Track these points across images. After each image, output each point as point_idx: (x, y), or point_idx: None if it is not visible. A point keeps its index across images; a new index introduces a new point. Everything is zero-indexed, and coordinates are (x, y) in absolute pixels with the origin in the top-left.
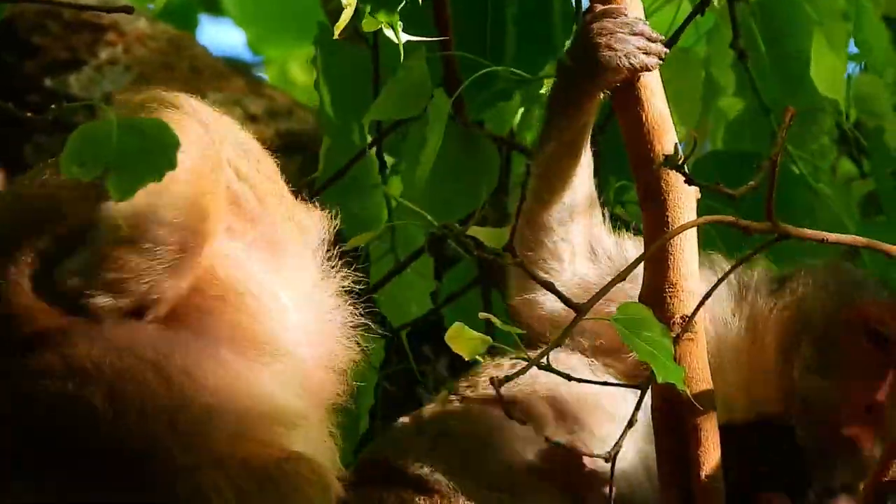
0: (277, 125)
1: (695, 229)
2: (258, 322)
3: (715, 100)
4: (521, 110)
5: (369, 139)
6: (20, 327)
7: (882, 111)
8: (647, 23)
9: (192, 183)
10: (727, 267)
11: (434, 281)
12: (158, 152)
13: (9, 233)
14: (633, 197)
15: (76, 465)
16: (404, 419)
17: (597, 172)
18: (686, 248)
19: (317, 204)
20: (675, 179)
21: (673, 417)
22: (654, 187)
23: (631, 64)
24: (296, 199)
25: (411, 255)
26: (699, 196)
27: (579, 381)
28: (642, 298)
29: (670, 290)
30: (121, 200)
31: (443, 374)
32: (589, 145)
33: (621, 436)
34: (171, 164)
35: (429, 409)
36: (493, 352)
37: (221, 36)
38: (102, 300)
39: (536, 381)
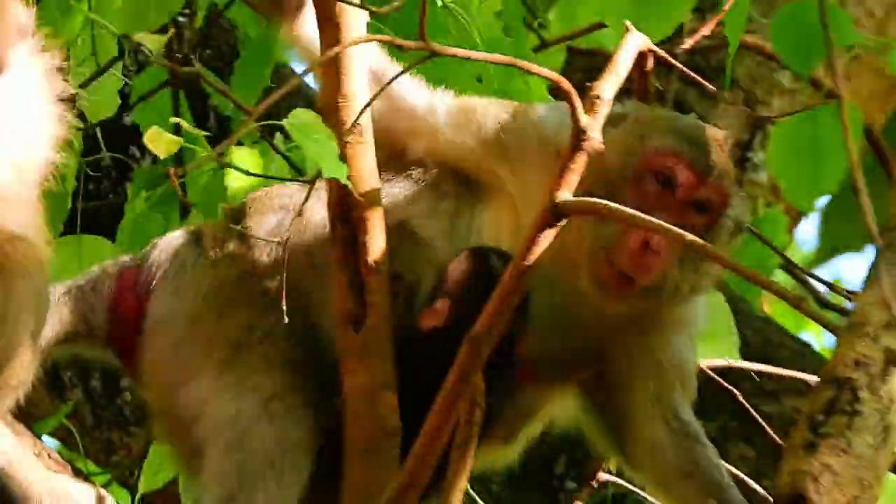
0: None
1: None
2: None
3: None
4: None
5: None
6: None
7: None
8: None
9: None
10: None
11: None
12: None
13: None
14: None
15: None
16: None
17: None
18: (355, 63)
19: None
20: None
21: (344, 209)
22: (329, 9)
23: None
24: None
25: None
26: (369, 20)
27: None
28: (319, 107)
29: (342, 100)
30: None
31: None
32: None
33: (291, 223)
34: None
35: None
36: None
37: None
38: None
39: None
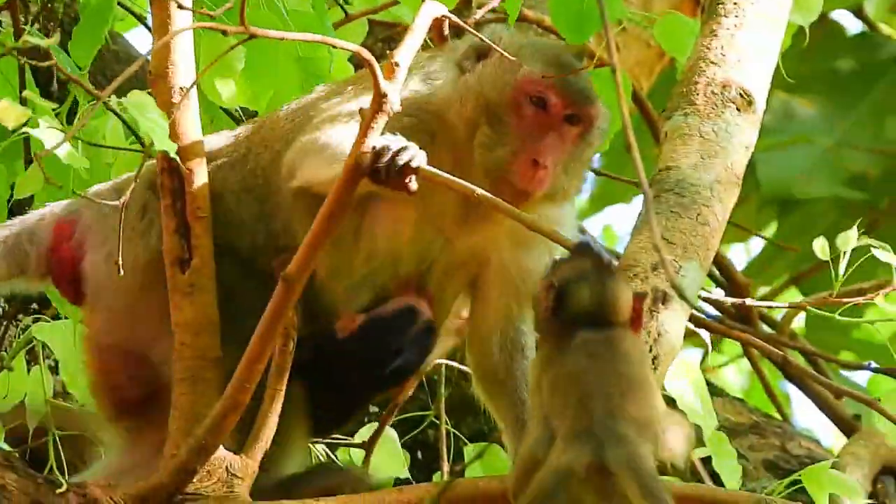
0: None
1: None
2: None
3: None
4: None
5: None
6: None
7: None
8: None
9: None
10: None
11: None
12: None
13: None
14: None
15: None
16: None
17: None
18: (184, 35)
19: None
20: None
21: (171, 162)
22: None
23: None
24: None
25: None
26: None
27: None
28: (151, 73)
29: (171, 67)
30: None
31: None
32: None
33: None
34: None
35: None
36: None
37: None
38: None
39: None
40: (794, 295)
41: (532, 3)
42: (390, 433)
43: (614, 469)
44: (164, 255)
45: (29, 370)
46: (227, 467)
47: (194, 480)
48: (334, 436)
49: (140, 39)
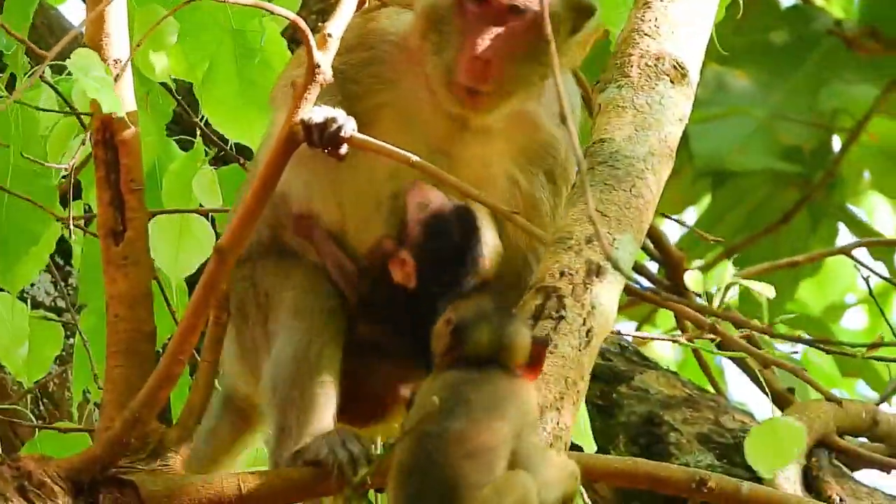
0: None
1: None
2: None
3: None
4: None
5: None
6: None
7: None
8: None
9: None
10: None
11: None
12: None
13: None
14: None
15: None
16: None
17: None
18: (118, 6)
19: None
20: None
21: (106, 135)
22: None
23: None
24: None
25: None
26: None
27: None
28: (85, 46)
29: (105, 39)
30: None
31: None
32: None
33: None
34: None
35: None
36: None
37: None
38: None
39: None
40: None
41: None
42: None
43: None
44: (97, 227)
45: None
46: (160, 440)
47: (128, 453)
48: None
49: (73, 11)
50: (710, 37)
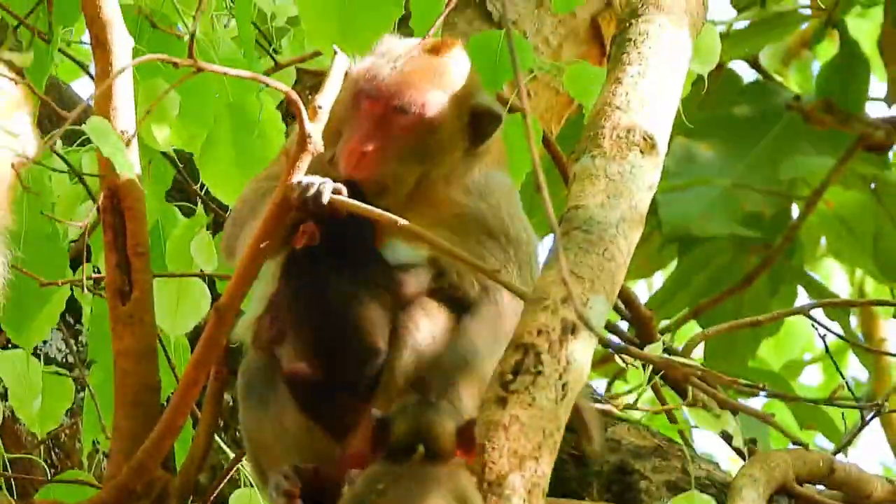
0: None
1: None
2: None
3: None
4: None
5: None
6: None
7: None
8: None
9: None
10: None
11: None
12: None
13: None
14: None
15: None
16: None
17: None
18: (124, 82)
19: None
20: (115, 31)
21: (113, 201)
22: (102, 37)
23: None
24: None
25: None
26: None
27: None
28: (97, 113)
29: (113, 112)
30: None
31: None
32: None
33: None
34: None
35: None
36: None
37: None
38: None
39: None
40: (693, 327)
41: None
42: None
43: None
44: (106, 287)
45: None
46: (164, 487)
47: (134, 500)
48: None
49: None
50: (678, 111)
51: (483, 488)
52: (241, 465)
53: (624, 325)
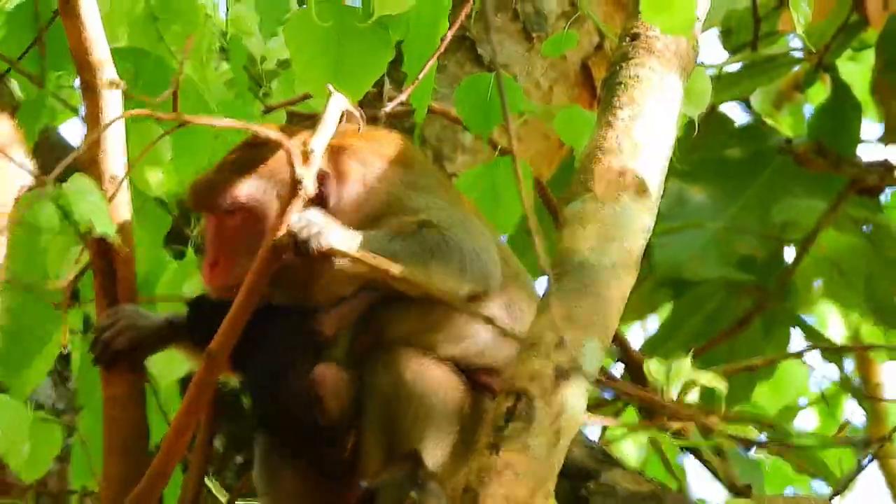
0: None
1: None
2: None
3: None
4: None
5: None
6: None
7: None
8: None
9: None
10: None
11: None
12: None
13: None
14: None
15: None
16: None
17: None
18: (115, 126)
19: None
20: (105, 76)
21: (102, 245)
22: (91, 82)
23: None
24: None
25: None
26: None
27: None
28: (84, 161)
29: (102, 155)
30: None
31: None
32: None
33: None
34: None
35: None
36: None
37: None
38: None
39: None
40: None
41: (438, 97)
42: None
43: None
44: (96, 332)
45: None
46: None
47: None
48: None
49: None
50: (671, 154)
51: None
52: None
53: (618, 370)
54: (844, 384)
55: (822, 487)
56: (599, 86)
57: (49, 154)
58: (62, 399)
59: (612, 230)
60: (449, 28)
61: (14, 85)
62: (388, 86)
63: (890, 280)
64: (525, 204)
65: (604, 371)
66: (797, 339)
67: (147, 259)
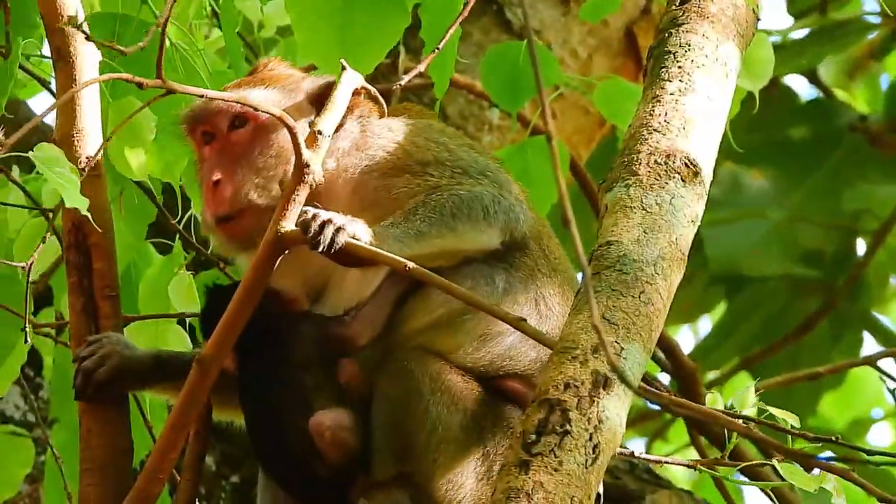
0: None
1: (97, 85)
2: None
3: None
4: None
5: None
6: None
7: None
8: None
9: None
10: None
11: None
12: None
13: None
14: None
15: None
16: None
17: None
18: (91, 100)
19: None
20: (79, 42)
21: (79, 237)
22: (64, 49)
23: None
24: None
25: None
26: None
27: None
28: (56, 141)
29: (77, 135)
30: None
31: None
32: None
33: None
34: None
35: None
36: None
37: None
38: None
39: None
40: (744, 380)
41: (461, 68)
42: None
43: None
44: (70, 336)
45: None
46: None
47: None
48: None
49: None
50: (724, 133)
51: None
52: None
53: (665, 378)
54: None
55: None
56: (645, 55)
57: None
58: (33, 411)
59: (657, 220)
60: None
61: None
62: (403, 56)
63: None
64: (560, 189)
65: (648, 379)
66: (870, 343)
67: (128, 252)
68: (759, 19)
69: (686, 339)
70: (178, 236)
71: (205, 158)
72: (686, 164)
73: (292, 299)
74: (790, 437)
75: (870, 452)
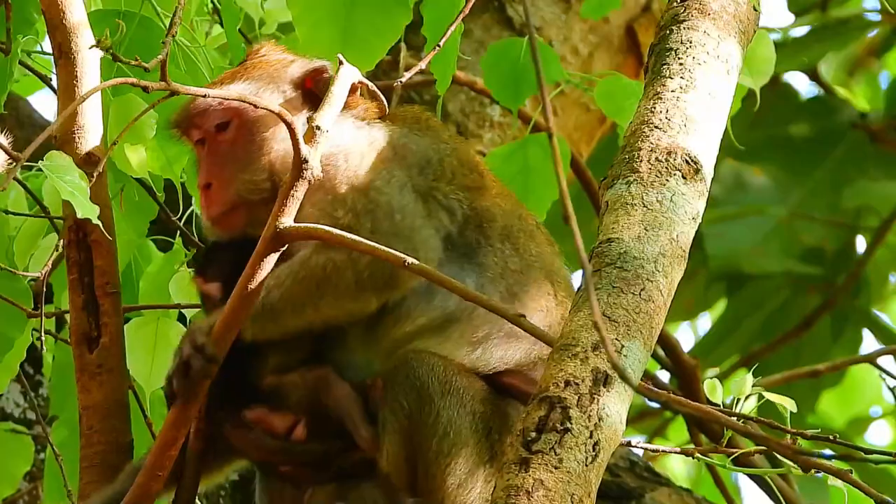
0: None
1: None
2: None
3: None
4: None
5: None
6: None
7: None
8: None
9: None
10: None
11: None
12: None
13: None
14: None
15: None
16: None
17: None
18: (92, 107)
19: None
20: (81, 39)
21: (79, 234)
22: (66, 46)
23: None
24: None
25: None
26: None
27: None
28: (56, 136)
29: (78, 131)
30: None
31: None
32: None
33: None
34: None
35: None
36: None
37: None
38: None
39: None
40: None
41: (463, 65)
42: None
43: None
44: (70, 333)
45: None
46: None
47: None
48: None
49: (43, 103)
50: (726, 130)
51: None
52: None
53: (665, 376)
54: None
55: None
56: (646, 52)
57: (17, 128)
58: (33, 408)
59: (658, 216)
60: None
61: None
62: (404, 52)
63: None
64: (561, 186)
65: (648, 377)
66: (870, 341)
67: (129, 249)
68: (759, 16)
69: (686, 336)
70: (178, 233)
71: (200, 160)
72: (687, 161)
73: None
74: (788, 434)
75: (868, 451)
